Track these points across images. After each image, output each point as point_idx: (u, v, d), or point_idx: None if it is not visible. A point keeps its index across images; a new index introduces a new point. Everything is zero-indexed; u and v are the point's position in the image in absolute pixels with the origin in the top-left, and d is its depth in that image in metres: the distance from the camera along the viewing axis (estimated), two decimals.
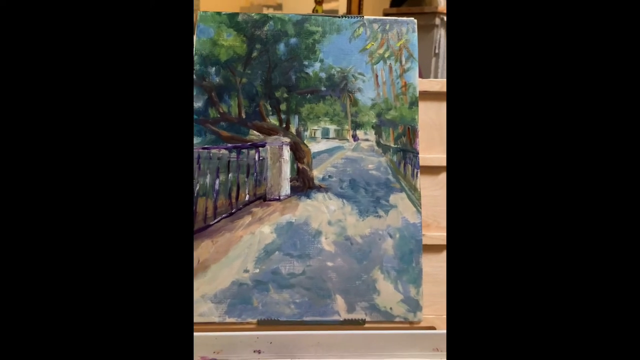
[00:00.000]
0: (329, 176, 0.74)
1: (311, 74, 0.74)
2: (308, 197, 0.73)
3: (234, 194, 0.73)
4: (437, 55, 2.17)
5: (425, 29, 2.08)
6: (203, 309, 0.69)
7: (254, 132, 0.74)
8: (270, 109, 0.74)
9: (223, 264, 0.70)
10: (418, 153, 0.75)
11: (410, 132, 0.76)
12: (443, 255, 0.74)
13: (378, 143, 0.76)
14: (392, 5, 2.31)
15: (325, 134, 0.75)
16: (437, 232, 0.74)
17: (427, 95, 0.76)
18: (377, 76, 0.76)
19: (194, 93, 0.72)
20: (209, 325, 0.68)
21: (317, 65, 0.75)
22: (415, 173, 0.75)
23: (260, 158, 0.75)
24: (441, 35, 2.16)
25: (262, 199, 0.74)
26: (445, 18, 2.13)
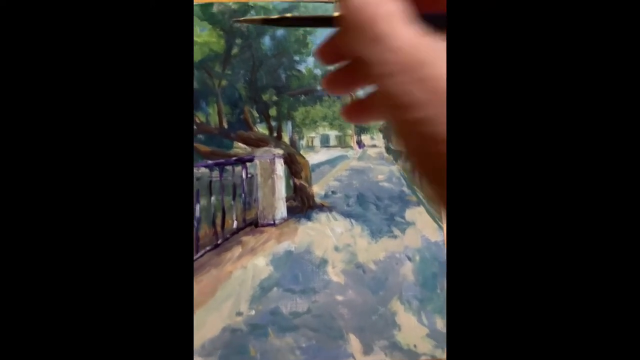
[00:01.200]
0: (332, 192, 0.68)
1: (304, 71, 0.70)
2: (309, 219, 0.67)
3: (218, 221, 0.68)
4: None
5: None
6: None
7: (239, 144, 0.69)
8: (257, 115, 0.69)
9: (210, 307, 0.62)
10: None
11: None
12: None
13: (388, 149, 0.71)
14: None
15: (325, 142, 0.71)
16: None
17: None
18: None
19: None
20: None
21: (310, 60, 0.70)
22: None
23: (249, 175, 0.70)
24: None
25: (253, 225, 0.69)
26: None
